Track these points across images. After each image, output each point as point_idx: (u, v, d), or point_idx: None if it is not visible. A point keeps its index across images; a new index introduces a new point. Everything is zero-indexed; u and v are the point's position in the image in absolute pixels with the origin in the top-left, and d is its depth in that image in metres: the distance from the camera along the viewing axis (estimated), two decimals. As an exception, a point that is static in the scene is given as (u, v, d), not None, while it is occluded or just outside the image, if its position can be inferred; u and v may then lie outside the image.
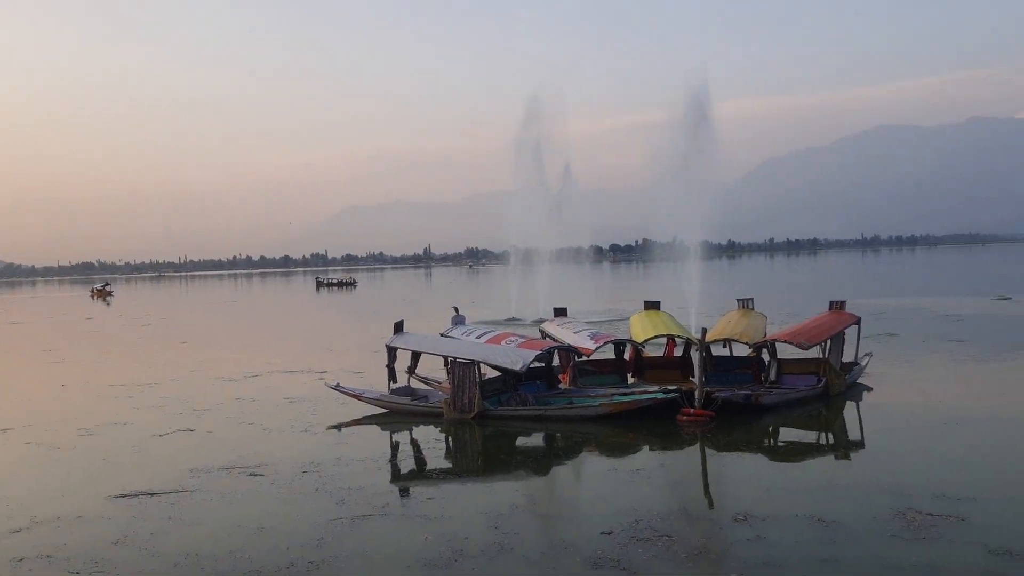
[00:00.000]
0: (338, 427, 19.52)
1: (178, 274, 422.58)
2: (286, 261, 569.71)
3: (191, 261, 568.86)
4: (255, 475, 15.21)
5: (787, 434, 18.43)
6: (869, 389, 21.79)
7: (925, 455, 15.23)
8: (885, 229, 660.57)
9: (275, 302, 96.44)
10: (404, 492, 14.29)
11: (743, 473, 15.04)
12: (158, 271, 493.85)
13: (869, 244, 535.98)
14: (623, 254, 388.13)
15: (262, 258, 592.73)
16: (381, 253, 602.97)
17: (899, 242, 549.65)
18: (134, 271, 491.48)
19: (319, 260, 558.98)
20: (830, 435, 18.37)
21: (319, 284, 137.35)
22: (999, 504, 12.05)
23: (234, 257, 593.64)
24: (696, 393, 18.75)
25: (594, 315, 42.49)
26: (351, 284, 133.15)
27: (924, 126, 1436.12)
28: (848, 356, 22.31)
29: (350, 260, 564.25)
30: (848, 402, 20.48)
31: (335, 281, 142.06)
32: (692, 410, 18.47)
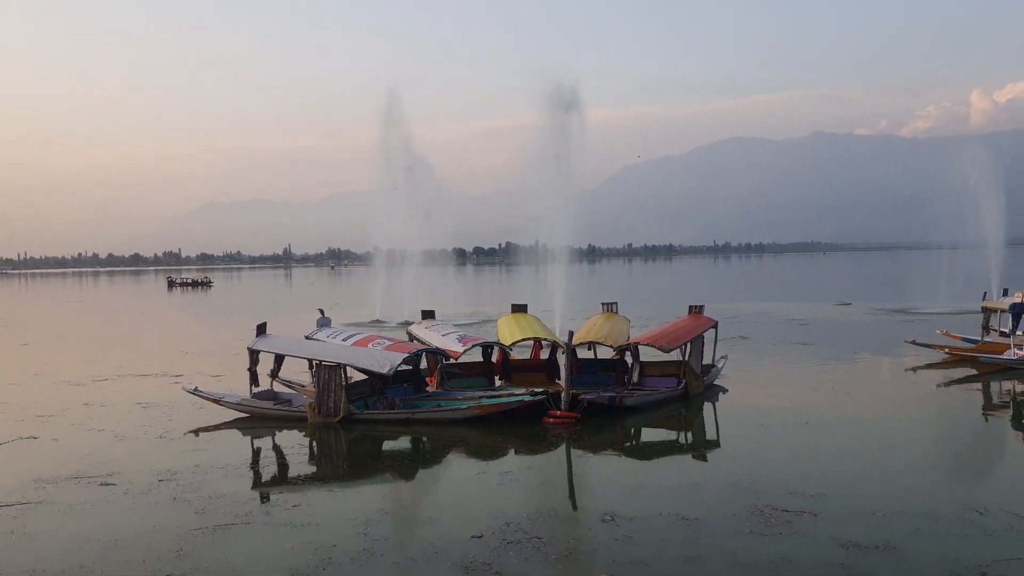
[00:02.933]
0: (196, 433, 18.74)
1: (17, 271, 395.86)
2: (136, 259, 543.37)
3: (31, 258, 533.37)
4: (107, 484, 14.39)
5: (650, 435, 18.93)
6: (725, 391, 22.69)
7: (779, 454, 16.00)
8: (735, 236, 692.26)
9: (124, 302, 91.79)
10: (267, 499, 13.83)
11: (609, 474, 15.35)
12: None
13: (720, 251, 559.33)
14: (486, 257, 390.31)
15: (110, 256, 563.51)
16: (239, 252, 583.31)
17: (748, 249, 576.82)
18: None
19: (173, 259, 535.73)
20: (690, 435, 19.01)
21: (171, 284, 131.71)
22: (848, 500, 12.74)
23: (79, 254, 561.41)
24: (562, 395, 19.03)
25: (460, 318, 42.51)
26: (206, 284, 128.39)
27: (771, 139, 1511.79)
28: (706, 358, 23.15)
29: (206, 259, 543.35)
30: (706, 403, 21.27)
31: (188, 281, 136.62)
32: (559, 412, 18.73)
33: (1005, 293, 29.86)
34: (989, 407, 21.49)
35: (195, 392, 21.11)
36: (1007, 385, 23.59)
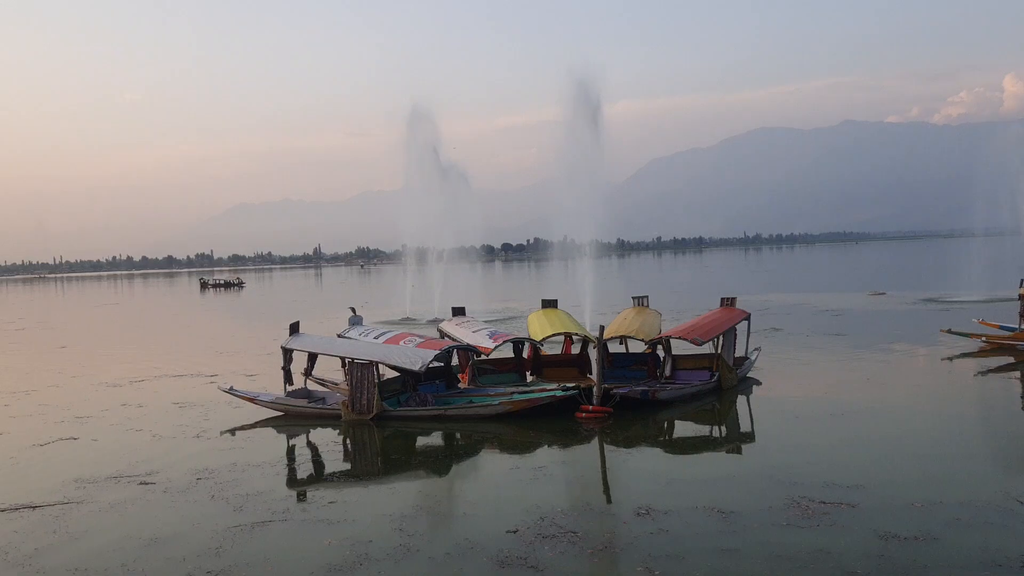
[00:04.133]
0: (232, 432, 18.94)
1: (53, 275, 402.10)
2: (170, 262, 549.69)
3: (67, 262, 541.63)
4: (146, 484, 14.60)
5: (683, 428, 18.87)
6: (759, 383, 22.53)
7: (814, 445, 15.86)
8: (766, 228, 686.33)
9: (159, 304, 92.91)
10: (303, 496, 13.96)
11: (643, 467, 15.30)
12: (32, 272, 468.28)
13: (751, 242, 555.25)
14: (515, 253, 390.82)
15: (144, 258, 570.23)
16: (269, 253, 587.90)
17: (779, 240, 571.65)
18: (5, 272, 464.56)
19: (205, 260, 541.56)
20: (724, 428, 18.91)
21: (204, 285, 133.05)
22: (885, 490, 12.60)
23: (114, 257, 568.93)
24: (594, 390, 19.01)
25: (490, 314, 42.60)
26: (238, 285, 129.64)
27: (801, 129, 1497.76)
28: (739, 351, 23.01)
29: (237, 260, 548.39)
30: (740, 396, 21.14)
31: (221, 282, 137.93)
32: (591, 407, 18.72)
33: (1043, 280, 29.37)
34: (1029, 396, 21.16)
35: (230, 391, 21.35)
36: (1047, 373, 23.21)
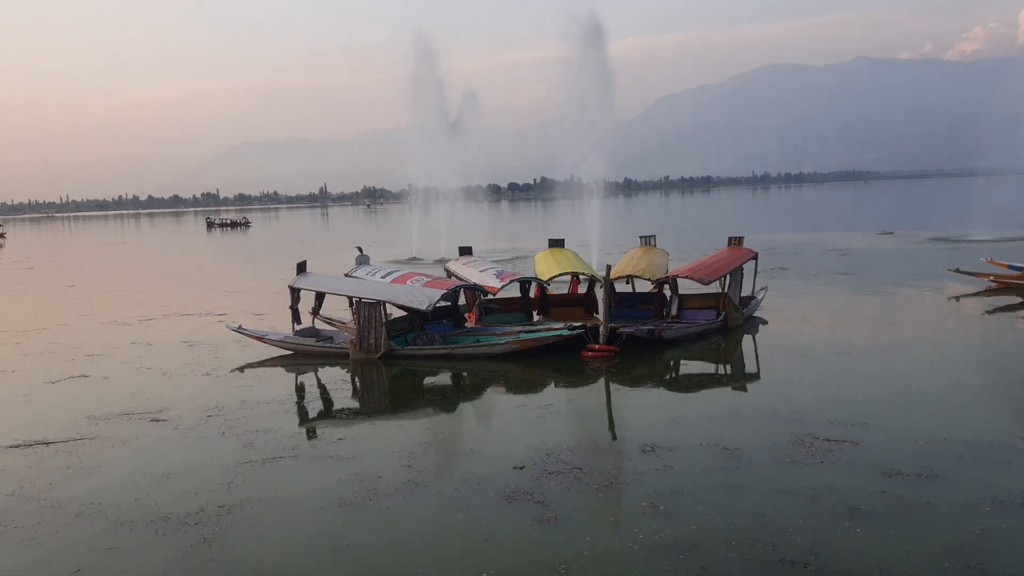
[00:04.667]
0: (241, 369, 19.11)
1: (60, 215, 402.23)
2: (176, 201, 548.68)
3: (73, 201, 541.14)
4: (157, 420, 14.79)
5: (689, 367, 18.96)
6: (765, 322, 22.57)
7: (819, 384, 15.94)
8: (775, 167, 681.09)
9: (165, 244, 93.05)
10: (313, 433, 14.13)
11: (648, 405, 15.44)
12: (39, 212, 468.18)
13: (760, 181, 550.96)
14: (521, 192, 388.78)
15: (150, 198, 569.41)
16: (275, 192, 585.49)
17: (788, 179, 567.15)
18: (11, 212, 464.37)
19: (211, 199, 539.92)
20: (729, 367, 19.01)
21: (210, 225, 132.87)
22: (889, 428, 12.71)
23: (120, 196, 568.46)
24: (600, 329, 19.07)
25: (497, 254, 42.57)
26: (244, 224, 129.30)
27: (812, 65, 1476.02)
28: (745, 290, 22.99)
29: (243, 200, 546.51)
30: (746, 335, 21.19)
31: (227, 221, 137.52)
32: (597, 346, 18.80)
33: (1054, 219, 29.21)
34: (1035, 335, 21.17)
35: (239, 330, 21.47)
36: (1054, 313, 23.19)
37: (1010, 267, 27.96)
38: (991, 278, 27.09)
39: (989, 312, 23.48)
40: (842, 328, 21.70)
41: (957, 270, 27.80)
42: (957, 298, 25.65)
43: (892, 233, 52.55)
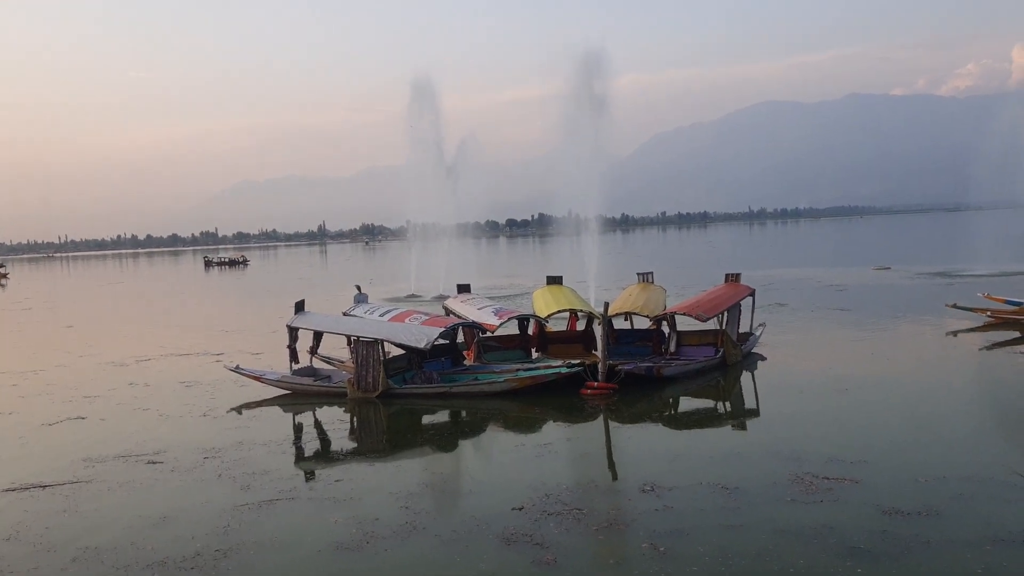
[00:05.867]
0: (239, 410, 19.03)
1: (59, 255, 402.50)
2: (174, 240, 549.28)
3: (72, 241, 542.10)
4: (154, 463, 14.70)
5: (688, 404, 18.92)
6: (763, 358, 22.55)
7: (818, 421, 15.88)
8: (770, 202, 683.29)
9: (163, 283, 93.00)
10: (310, 475, 14.04)
11: (648, 444, 15.38)
12: (39, 251, 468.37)
13: (756, 217, 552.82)
14: (519, 228, 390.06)
15: (148, 237, 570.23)
16: (274, 230, 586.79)
17: (784, 215, 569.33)
18: (10, 252, 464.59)
19: (209, 238, 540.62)
20: (729, 404, 18.98)
21: (208, 263, 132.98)
22: (889, 466, 12.66)
23: (119, 236, 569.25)
24: (599, 366, 19.05)
25: (495, 291, 42.61)
26: (243, 263, 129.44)
27: (805, 102, 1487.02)
28: (743, 327, 23.00)
29: (242, 238, 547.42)
30: (744, 371, 21.17)
31: (226, 260, 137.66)
32: (596, 383, 18.76)
33: (1050, 254, 29.32)
34: (1034, 370, 21.16)
35: (236, 370, 21.43)
36: (1052, 347, 23.19)
37: (1007, 302, 28.01)
38: (988, 313, 27.13)
39: (987, 347, 23.48)
40: (841, 364, 21.68)
41: (955, 305, 27.84)
42: (955, 333, 25.67)
43: (889, 268, 52.68)
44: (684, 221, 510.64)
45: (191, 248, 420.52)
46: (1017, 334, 24.86)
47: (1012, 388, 19.20)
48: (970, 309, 27.60)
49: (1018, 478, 11.70)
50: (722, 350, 21.28)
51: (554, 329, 23.78)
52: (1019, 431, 15.47)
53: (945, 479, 11.81)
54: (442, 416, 18.40)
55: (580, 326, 23.66)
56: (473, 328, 21.64)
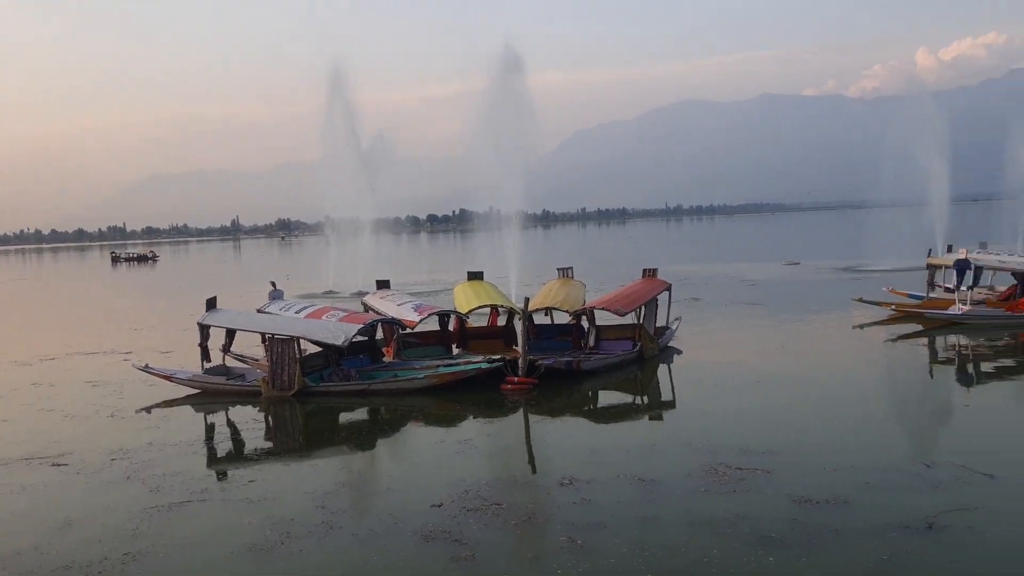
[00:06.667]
0: (148, 410, 18.47)
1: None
2: (80, 235, 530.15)
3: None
4: (59, 465, 14.16)
5: (606, 398, 19.09)
6: (680, 352, 22.94)
7: (732, 413, 16.22)
8: (687, 199, 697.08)
9: (69, 279, 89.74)
10: (223, 475, 13.72)
11: (567, 438, 15.47)
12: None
13: (673, 213, 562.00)
14: (440, 224, 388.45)
15: (53, 232, 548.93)
16: (185, 225, 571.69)
17: (700, 211, 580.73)
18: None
19: (117, 233, 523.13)
20: (646, 397, 19.24)
21: (115, 259, 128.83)
22: (799, 456, 13.02)
23: (21, 231, 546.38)
24: (519, 361, 19.08)
25: (416, 287, 42.33)
26: (152, 258, 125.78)
27: (720, 101, 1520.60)
28: (660, 321, 23.34)
29: (151, 233, 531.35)
30: (661, 365, 21.50)
31: (134, 255, 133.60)
32: (516, 378, 18.80)
33: (949, 249, 30.52)
34: (935, 361, 22.07)
35: (146, 369, 20.77)
36: (952, 340, 24.19)
37: (910, 296, 29.12)
38: (892, 307, 28.13)
39: (892, 340, 24.33)
40: (753, 357, 22.21)
41: (861, 299, 28.79)
42: (861, 326, 26.53)
43: (799, 263, 54.22)
44: (604, 217, 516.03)
45: (98, 243, 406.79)
46: (919, 327, 25.84)
47: (915, 379, 19.99)
48: (876, 303, 28.57)
49: (921, 467, 12.16)
50: (640, 344, 21.56)
51: (475, 325, 23.74)
52: (921, 421, 16.13)
53: (852, 468, 12.17)
54: (360, 414, 18.18)
55: (501, 322, 23.67)
56: (393, 324, 21.44)
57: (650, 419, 17.11)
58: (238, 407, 18.65)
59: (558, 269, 24.87)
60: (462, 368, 19.51)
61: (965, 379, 19.77)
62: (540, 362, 19.27)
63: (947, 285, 28.02)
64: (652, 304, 22.26)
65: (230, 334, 20.38)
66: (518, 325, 20.76)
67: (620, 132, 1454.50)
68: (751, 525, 10.16)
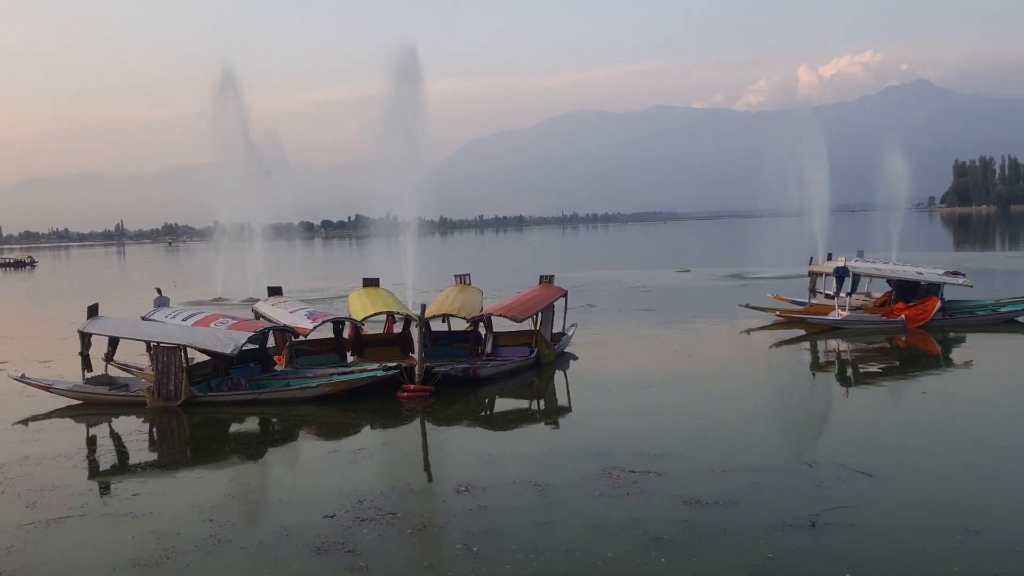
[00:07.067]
0: (25, 423, 17.59)
1: None
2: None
3: None
4: (-78, 483, 13.27)
5: (503, 404, 19.16)
6: (575, 358, 23.23)
7: (625, 417, 16.52)
8: (582, 207, 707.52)
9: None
10: (105, 489, 13.16)
11: (464, 445, 15.46)
12: None
13: (569, 221, 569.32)
14: (336, 230, 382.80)
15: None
16: (66, 230, 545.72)
17: (595, 219, 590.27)
18: None
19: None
20: (542, 403, 19.38)
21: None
22: (690, 458, 13.34)
23: None
24: (416, 369, 18.95)
25: (310, 293, 41.61)
26: (30, 264, 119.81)
27: (614, 112, 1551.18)
28: (556, 327, 23.57)
29: (29, 237, 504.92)
30: (558, 371, 21.72)
31: (10, 261, 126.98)
32: (412, 386, 18.66)
33: (829, 258, 31.82)
34: (817, 365, 23.00)
35: (22, 379, 19.74)
36: (832, 344, 25.23)
37: (793, 302, 30.24)
38: (777, 312, 29.19)
39: (776, 345, 25.22)
40: (646, 362, 22.66)
41: (747, 305, 29.75)
42: (748, 331, 27.42)
43: (689, 271, 55.65)
44: (501, 224, 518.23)
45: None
46: (802, 331, 26.89)
47: (798, 382, 20.79)
48: (761, 309, 29.57)
49: (804, 467, 12.63)
50: (536, 350, 21.72)
51: (371, 332, 23.46)
52: (804, 422, 16.76)
53: (740, 469, 12.54)
54: (251, 424, 17.72)
55: (397, 328, 23.47)
56: (284, 332, 20.99)
57: (546, 424, 17.25)
58: (121, 418, 17.91)
59: (455, 276, 24.84)
60: (357, 376, 19.24)
61: (844, 381, 20.68)
62: (437, 369, 19.19)
63: (827, 292, 29.22)
64: (549, 310, 22.47)
65: (113, 342, 19.58)
66: (415, 332, 20.61)
67: (516, 140, 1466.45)
68: (644, 527, 10.36)
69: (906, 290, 27.71)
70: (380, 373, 19.13)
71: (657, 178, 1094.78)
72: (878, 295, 29.66)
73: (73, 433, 17.26)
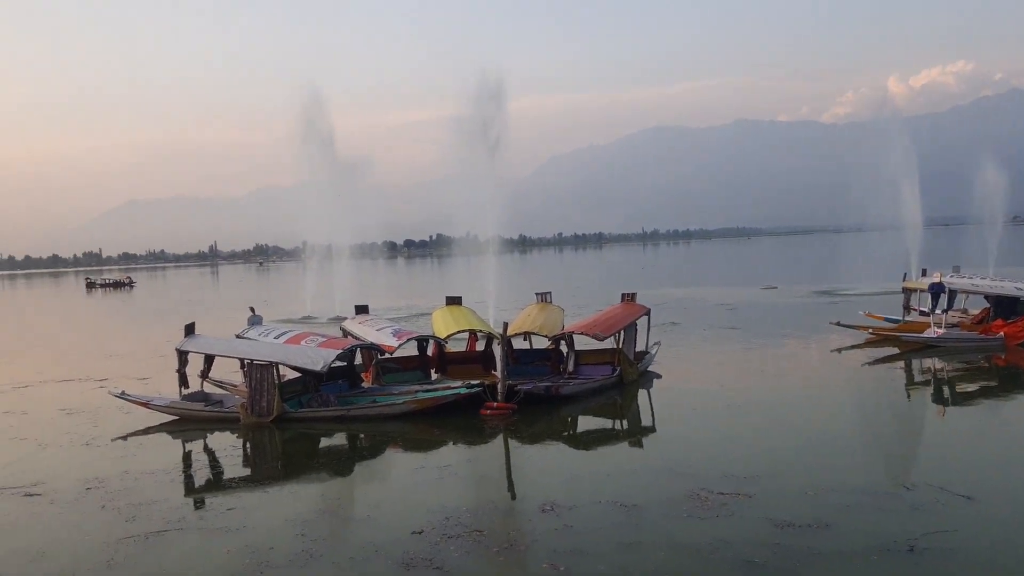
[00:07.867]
0: (124, 438, 18.22)
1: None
2: (55, 261, 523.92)
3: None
4: (32, 495, 13.92)
5: (586, 423, 19.06)
6: (659, 376, 22.97)
7: (712, 437, 16.26)
8: (663, 223, 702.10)
9: (43, 306, 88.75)
10: (201, 504, 13.54)
11: (547, 463, 15.42)
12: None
13: (649, 238, 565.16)
14: (418, 249, 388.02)
15: (27, 258, 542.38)
16: (163, 251, 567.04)
17: (676, 235, 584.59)
18: None
19: (93, 259, 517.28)
20: (626, 422, 19.22)
21: (90, 285, 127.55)
22: (780, 480, 13.04)
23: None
24: (499, 386, 19.04)
25: (394, 312, 42.22)
26: (128, 284, 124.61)
27: (695, 127, 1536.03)
28: (639, 345, 23.39)
29: (128, 259, 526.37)
30: (641, 389, 21.51)
31: (109, 281, 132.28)
32: (495, 404, 18.75)
33: (924, 273, 30.83)
34: (912, 384, 22.22)
35: (122, 396, 20.52)
36: (928, 362, 24.39)
37: (886, 319, 29.37)
38: (869, 330, 28.38)
39: (869, 363, 24.49)
40: (732, 381, 22.28)
41: (838, 323, 29.01)
42: (839, 350, 26.71)
43: (776, 288, 54.53)
44: (580, 242, 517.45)
45: (73, 269, 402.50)
46: (896, 350, 26.06)
47: (893, 402, 20.11)
48: (852, 327, 28.80)
49: (900, 488, 12.22)
50: (619, 369, 21.59)
51: (453, 350, 23.67)
52: (899, 443, 16.21)
53: (833, 491, 12.21)
54: (340, 440, 18.05)
55: (480, 346, 23.64)
56: (371, 349, 21.36)
57: (630, 444, 17.09)
58: (216, 434, 18.46)
59: (536, 294, 24.91)
60: (441, 393, 19.44)
61: (941, 401, 19.93)
62: (519, 387, 19.24)
63: (922, 309, 28.31)
64: (631, 329, 22.33)
65: (208, 360, 20.21)
66: (497, 350, 20.73)
67: (595, 157, 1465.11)
68: (734, 550, 10.16)
69: (1005, 306, 26.62)
70: (464, 391, 19.28)
71: (740, 193, 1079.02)
72: (975, 312, 28.59)
73: (170, 448, 17.85)
